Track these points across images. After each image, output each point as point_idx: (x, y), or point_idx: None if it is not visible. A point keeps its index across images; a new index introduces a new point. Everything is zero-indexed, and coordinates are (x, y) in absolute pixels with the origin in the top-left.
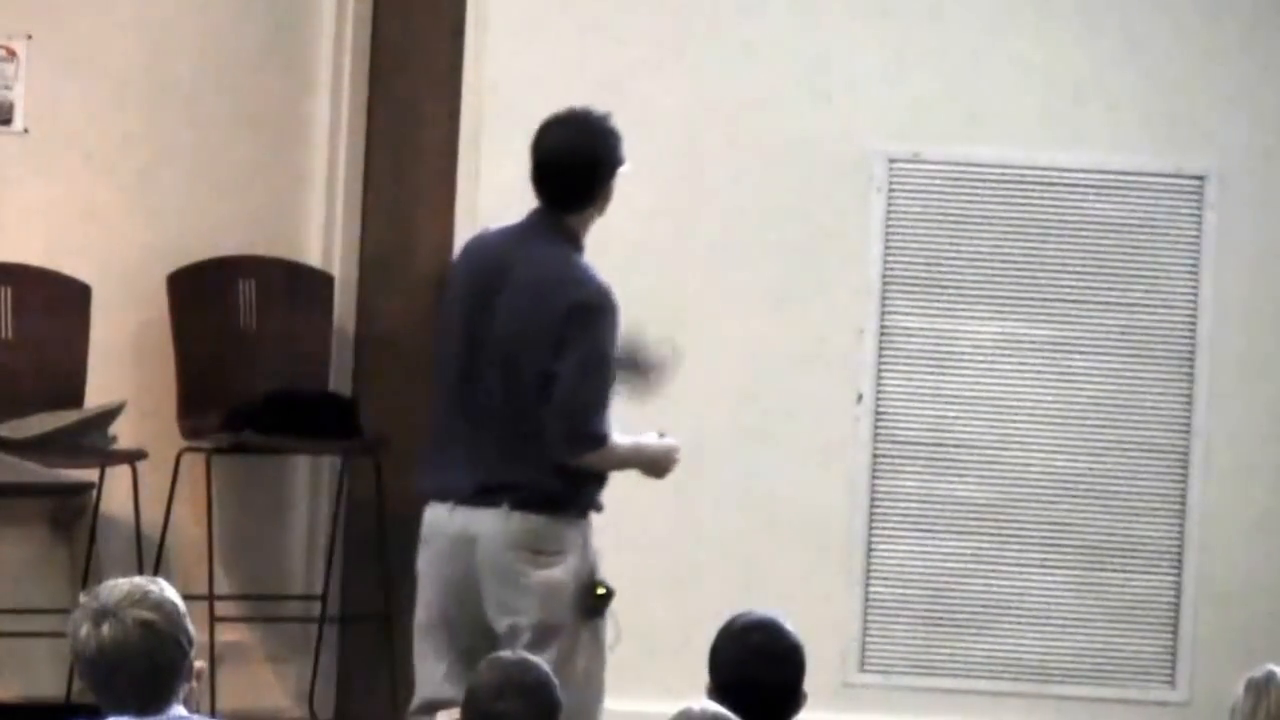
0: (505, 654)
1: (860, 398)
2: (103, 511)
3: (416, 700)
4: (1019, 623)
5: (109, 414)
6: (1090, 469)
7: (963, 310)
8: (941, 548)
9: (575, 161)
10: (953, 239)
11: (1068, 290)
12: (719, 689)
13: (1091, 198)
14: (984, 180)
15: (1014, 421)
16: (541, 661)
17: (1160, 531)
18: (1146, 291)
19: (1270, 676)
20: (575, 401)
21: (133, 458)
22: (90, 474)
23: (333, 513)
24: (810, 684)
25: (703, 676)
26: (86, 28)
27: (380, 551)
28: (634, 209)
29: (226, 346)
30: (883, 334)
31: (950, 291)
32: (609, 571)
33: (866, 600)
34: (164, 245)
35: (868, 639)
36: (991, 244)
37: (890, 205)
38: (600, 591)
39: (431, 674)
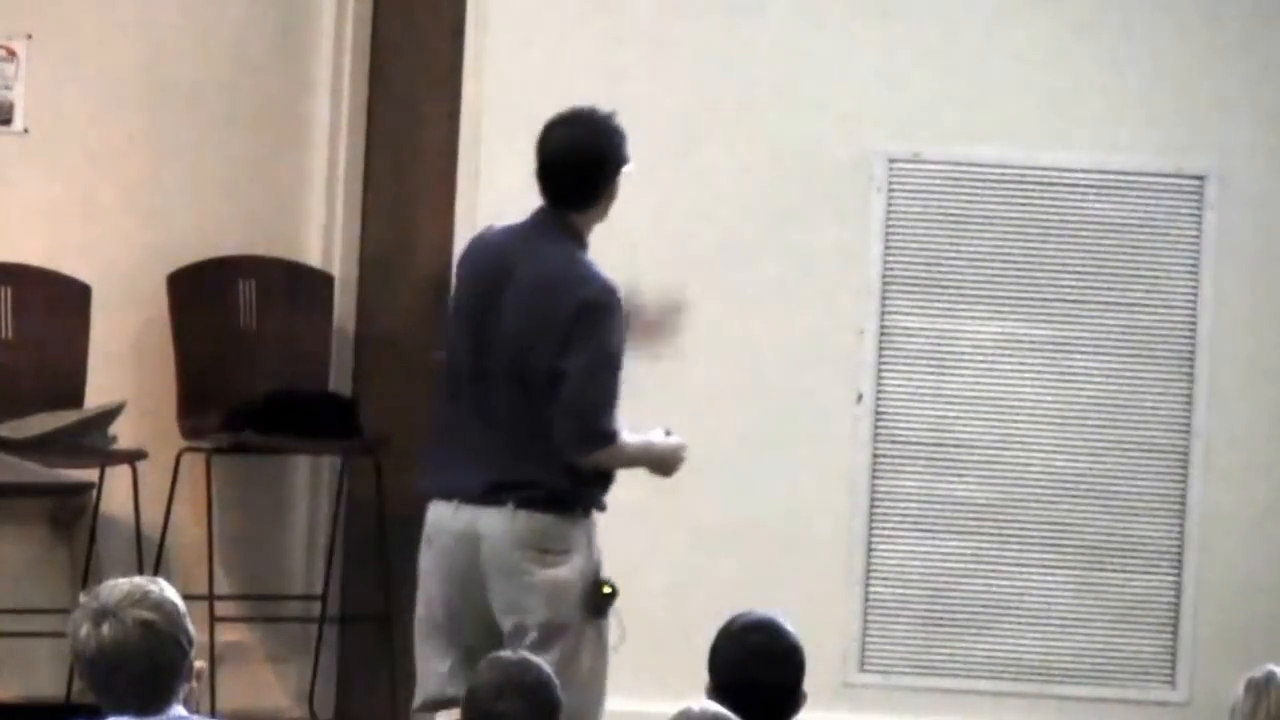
0: (505, 654)
1: (860, 398)
2: (103, 511)
3: (420, 698)
4: (1019, 623)
5: (109, 414)
6: (1090, 469)
7: (963, 310)
8: (941, 548)
9: (580, 160)
10: (953, 239)
11: (1068, 290)
12: (718, 689)
13: (1091, 198)
14: (984, 180)
15: (1014, 421)
16: (542, 661)
17: (1160, 531)
18: (1146, 291)
19: (1270, 676)
20: (584, 400)
21: (133, 458)
22: (90, 474)
23: (333, 513)
24: (810, 684)
25: (703, 676)
26: (86, 28)
27: (380, 551)
28: (634, 209)
29: (226, 346)
30: (883, 334)
31: (950, 291)
32: (609, 571)
33: (866, 600)
34: (164, 245)
35: (868, 639)
36: (991, 244)
37: (890, 205)
38: (606, 590)
39: (434, 672)
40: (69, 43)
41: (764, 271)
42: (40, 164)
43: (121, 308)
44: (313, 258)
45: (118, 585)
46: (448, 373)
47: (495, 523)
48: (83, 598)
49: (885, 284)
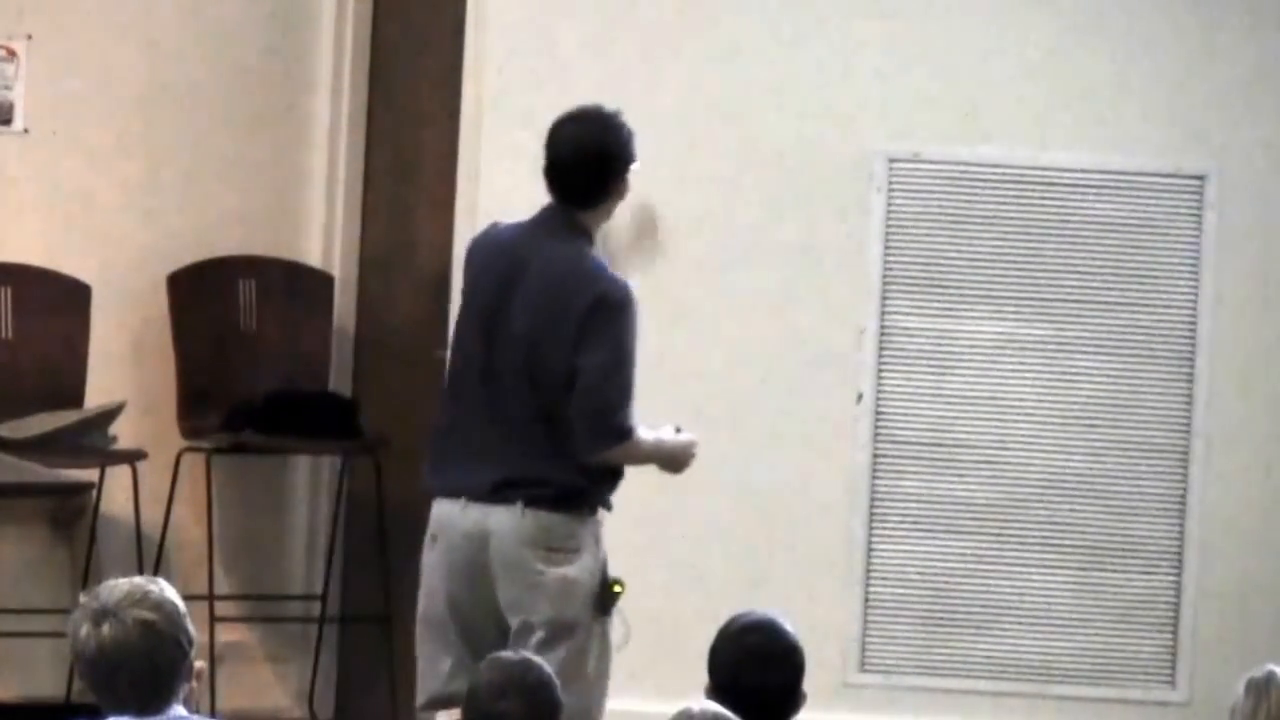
0: (506, 654)
1: (860, 398)
2: (103, 511)
3: (424, 696)
4: (1019, 623)
5: (109, 414)
6: (1090, 469)
7: (963, 310)
8: (941, 548)
9: (588, 158)
10: (953, 239)
11: (1068, 290)
12: (718, 689)
13: (1091, 198)
14: (984, 180)
15: (1014, 421)
16: (544, 662)
17: (1160, 531)
18: (1146, 291)
19: (1270, 676)
20: (600, 396)
21: (133, 458)
22: (90, 474)
23: (333, 513)
24: (810, 684)
25: (703, 676)
26: (86, 28)
27: (380, 551)
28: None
29: (226, 346)
30: (883, 334)
31: (950, 291)
32: (611, 570)
33: (866, 600)
34: (164, 245)
35: (868, 639)
36: (991, 244)
37: (890, 205)
38: (616, 589)
39: (437, 670)
40: (69, 43)
41: (764, 271)
42: (40, 164)
43: (121, 308)
44: (313, 258)
45: (118, 585)
46: (454, 370)
47: (504, 521)
48: (83, 598)
49: (885, 284)
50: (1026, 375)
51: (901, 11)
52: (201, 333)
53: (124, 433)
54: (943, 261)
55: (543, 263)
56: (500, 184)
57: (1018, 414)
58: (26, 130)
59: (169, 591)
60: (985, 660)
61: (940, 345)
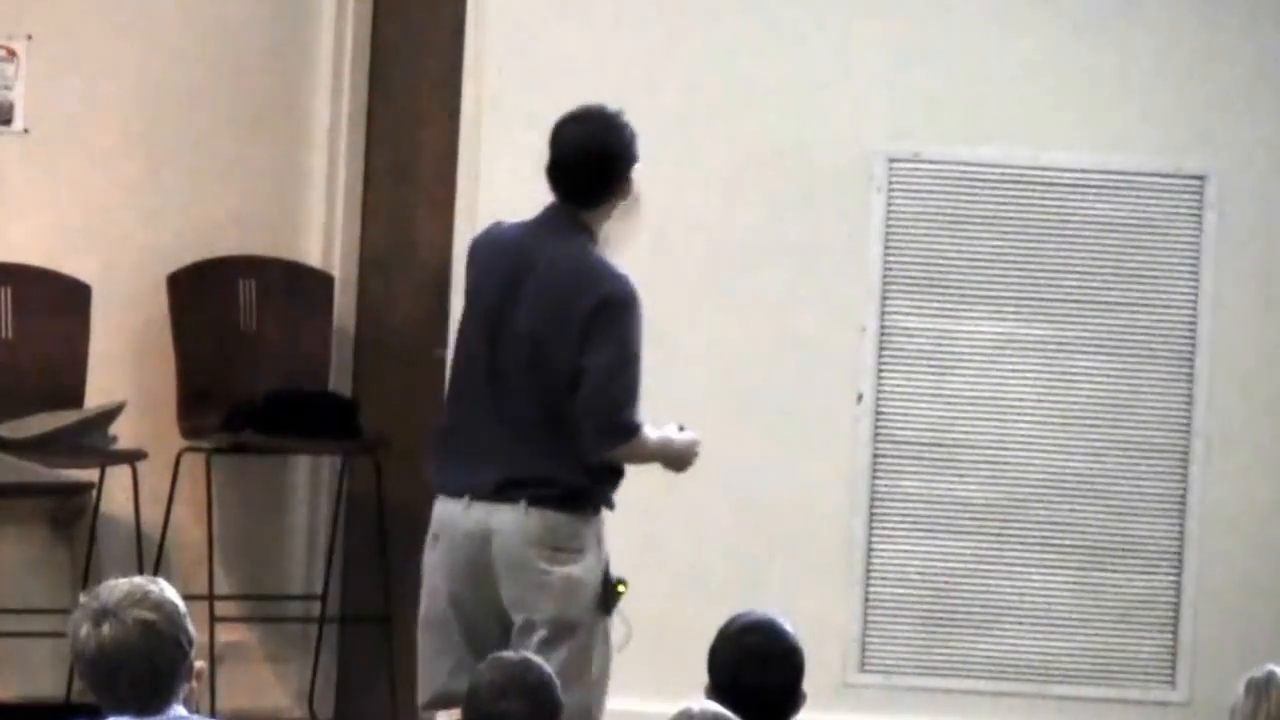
0: (507, 654)
1: (860, 398)
2: (103, 511)
3: (425, 695)
4: (1019, 623)
5: (109, 414)
6: (1090, 469)
7: (963, 310)
8: (941, 548)
9: (592, 157)
10: (953, 239)
11: (1068, 290)
12: (717, 690)
13: (1091, 198)
14: (984, 180)
15: (1014, 421)
16: (544, 661)
17: (1160, 531)
18: (1146, 291)
19: (1270, 676)
20: (607, 394)
21: (133, 458)
22: (90, 474)
23: (333, 513)
24: (810, 684)
25: (703, 676)
26: (86, 28)
27: (380, 551)
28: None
29: (226, 346)
30: (883, 334)
31: (950, 291)
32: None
33: (866, 600)
34: (164, 245)
35: (868, 639)
36: (991, 244)
37: (890, 205)
38: (621, 589)
39: (440, 669)
40: (69, 43)
41: (764, 271)
42: (40, 164)
43: (121, 308)
44: (313, 258)
45: (118, 585)
46: (458, 370)
47: (508, 519)
48: (83, 598)
49: (885, 284)
50: (1026, 375)
51: (901, 11)
52: (201, 333)
53: (124, 433)
54: (943, 261)
55: (547, 261)
56: (500, 184)
57: (1018, 414)
58: (26, 130)
59: (169, 591)
60: (985, 660)
61: (940, 345)
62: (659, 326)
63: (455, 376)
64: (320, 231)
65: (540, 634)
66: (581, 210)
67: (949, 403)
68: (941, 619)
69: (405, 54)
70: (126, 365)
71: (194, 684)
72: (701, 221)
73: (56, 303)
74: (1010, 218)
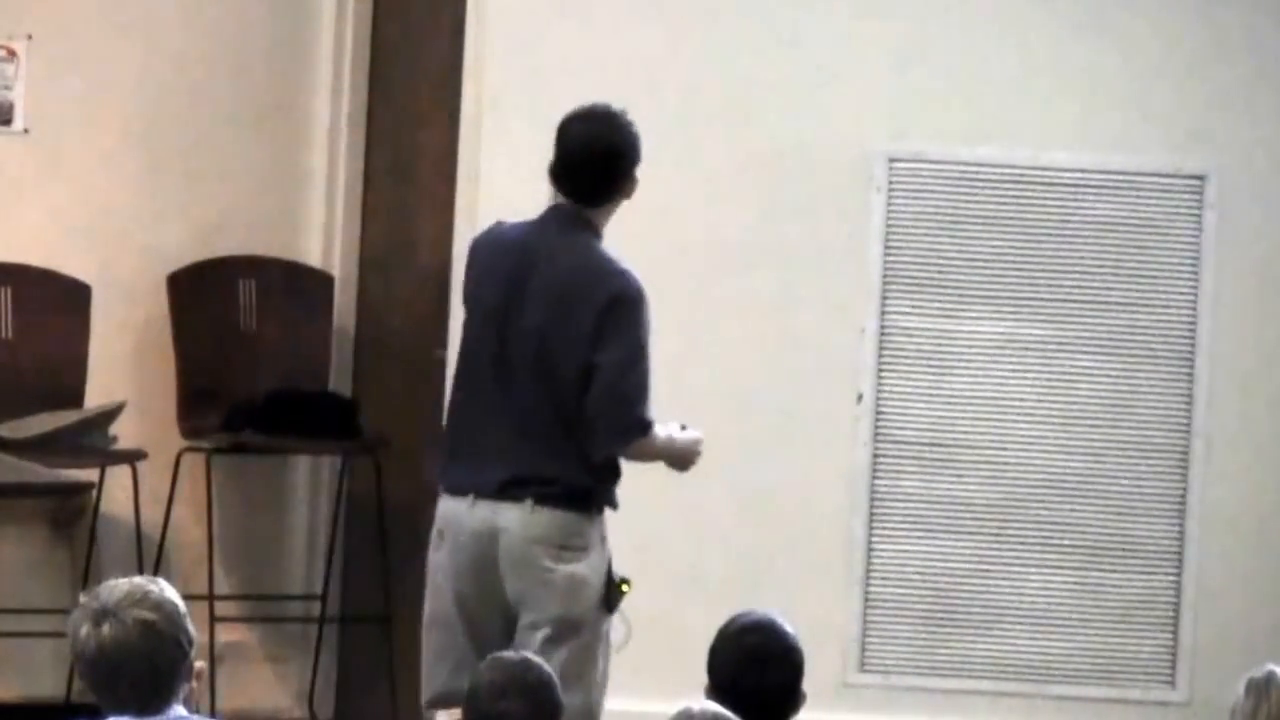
0: (507, 653)
1: (860, 398)
2: (103, 511)
3: (428, 694)
4: (1019, 623)
5: (109, 414)
6: (1090, 469)
7: (963, 310)
8: (941, 548)
9: (596, 156)
10: (953, 239)
11: (1068, 290)
12: (717, 690)
13: (1091, 198)
14: (984, 180)
15: (1014, 421)
16: (544, 661)
17: (1160, 531)
18: (1146, 291)
19: (1270, 676)
20: (619, 391)
21: (133, 458)
22: (90, 474)
23: (333, 513)
24: (810, 684)
25: (702, 676)
26: (86, 28)
27: (380, 551)
28: (633, 208)
29: (226, 346)
30: (883, 334)
31: (950, 291)
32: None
33: (866, 600)
34: (164, 245)
35: (868, 639)
36: (991, 244)
37: (890, 205)
38: (624, 588)
39: (443, 668)
40: (69, 43)
41: (764, 271)
42: (40, 164)
43: (121, 308)
44: (313, 258)
45: (118, 585)
46: (462, 368)
47: (513, 518)
48: (83, 598)
49: (885, 284)
50: (1026, 375)
51: (901, 11)
52: (201, 333)
53: (124, 433)
54: (943, 261)
55: (554, 258)
56: (500, 184)
57: (1018, 414)
58: (26, 130)
59: (169, 591)
60: (985, 660)
61: (940, 345)
62: (659, 326)
63: (459, 376)
64: (320, 231)
65: (544, 632)
66: (587, 208)
67: (949, 403)
68: (941, 619)
69: (405, 54)
70: (126, 365)
71: (194, 684)
72: (702, 221)
73: (56, 302)
74: (1010, 218)
